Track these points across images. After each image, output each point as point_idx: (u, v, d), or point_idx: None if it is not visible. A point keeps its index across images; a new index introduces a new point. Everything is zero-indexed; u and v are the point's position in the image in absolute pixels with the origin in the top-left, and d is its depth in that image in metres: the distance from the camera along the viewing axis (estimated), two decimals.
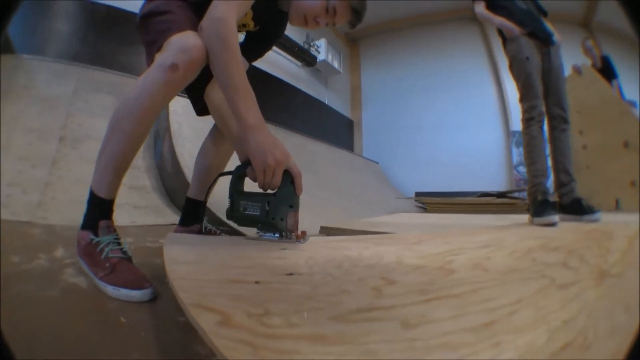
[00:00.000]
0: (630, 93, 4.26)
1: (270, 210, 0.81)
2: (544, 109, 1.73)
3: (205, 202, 1.02)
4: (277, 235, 0.82)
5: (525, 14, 1.81)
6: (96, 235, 0.76)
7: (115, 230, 0.79)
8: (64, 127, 2.03)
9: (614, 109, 2.71)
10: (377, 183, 5.06)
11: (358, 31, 6.94)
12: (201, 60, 0.78)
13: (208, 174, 1.05)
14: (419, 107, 6.26)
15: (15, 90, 2.16)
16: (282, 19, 1.07)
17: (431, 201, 4.15)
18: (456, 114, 5.84)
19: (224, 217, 1.07)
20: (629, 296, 0.45)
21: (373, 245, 0.85)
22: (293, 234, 0.82)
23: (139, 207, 1.76)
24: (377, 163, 6.05)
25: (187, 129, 2.27)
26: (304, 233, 0.84)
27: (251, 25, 1.00)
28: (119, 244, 0.77)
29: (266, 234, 0.83)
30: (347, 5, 0.94)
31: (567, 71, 2.85)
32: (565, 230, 1.33)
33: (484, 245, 0.92)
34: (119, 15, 3.29)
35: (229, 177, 0.87)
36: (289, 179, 0.80)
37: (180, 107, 2.31)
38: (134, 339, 0.55)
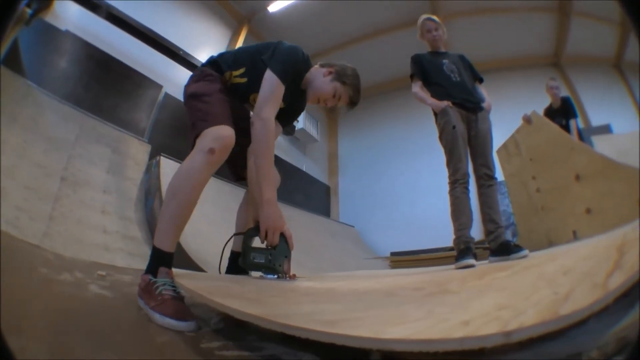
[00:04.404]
0: (603, 117, 4.73)
1: (271, 259, 1.21)
2: (471, 169, 1.92)
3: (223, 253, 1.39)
4: (275, 276, 1.23)
5: (456, 86, 2.01)
6: (154, 277, 0.95)
7: (171, 276, 0.96)
8: (65, 169, 2.34)
9: (565, 147, 2.65)
10: (351, 246, 5.31)
11: None
12: (231, 145, 1.07)
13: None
14: (393, 171, 6.54)
15: (24, 120, 2.33)
16: (303, 96, 1.41)
17: (395, 259, 4.49)
18: (428, 176, 5.78)
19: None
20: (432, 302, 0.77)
21: (327, 281, 1.46)
22: (287, 275, 1.23)
23: (133, 254, 1.97)
24: (353, 227, 6.23)
25: None
26: (294, 275, 1.27)
27: (282, 104, 1.30)
28: (173, 286, 0.92)
29: (268, 275, 1.25)
30: (348, 96, 1.34)
31: (518, 122, 3.16)
32: (465, 271, 1.52)
33: (380, 282, 1.31)
34: (121, 70, 3.54)
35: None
36: (284, 239, 1.23)
37: (169, 169, 2.70)
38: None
